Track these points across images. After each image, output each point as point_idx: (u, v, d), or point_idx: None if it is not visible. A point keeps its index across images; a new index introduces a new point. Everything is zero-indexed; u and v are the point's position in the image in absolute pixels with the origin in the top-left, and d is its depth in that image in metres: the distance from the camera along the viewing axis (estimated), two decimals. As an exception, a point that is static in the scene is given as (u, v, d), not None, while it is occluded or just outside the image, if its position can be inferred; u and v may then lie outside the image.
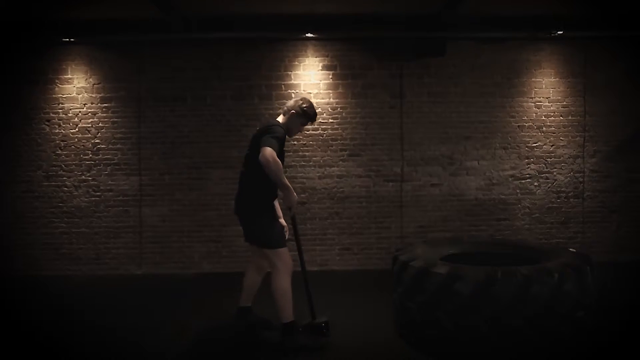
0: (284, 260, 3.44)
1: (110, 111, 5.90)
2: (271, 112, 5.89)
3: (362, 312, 4.30)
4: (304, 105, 3.57)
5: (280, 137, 3.33)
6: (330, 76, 5.95)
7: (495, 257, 3.84)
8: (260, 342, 3.63)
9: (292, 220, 3.57)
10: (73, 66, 5.88)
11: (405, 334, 3.51)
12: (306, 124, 3.69)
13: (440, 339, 3.21)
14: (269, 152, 3.16)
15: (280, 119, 3.60)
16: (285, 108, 3.62)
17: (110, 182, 5.91)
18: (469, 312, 3.08)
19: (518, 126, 6.04)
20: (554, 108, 6.06)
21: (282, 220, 3.66)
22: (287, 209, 3.46)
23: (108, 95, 5.89)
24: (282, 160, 3.44)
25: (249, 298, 3.80)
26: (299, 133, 4.02)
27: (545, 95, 6.04)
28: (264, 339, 3.65)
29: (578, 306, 3.16)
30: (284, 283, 3.40)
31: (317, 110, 3.72)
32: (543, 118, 6.05)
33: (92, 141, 5.91)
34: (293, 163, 5.90)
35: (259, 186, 3.41)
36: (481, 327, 3.06)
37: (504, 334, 3.05)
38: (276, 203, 3.63)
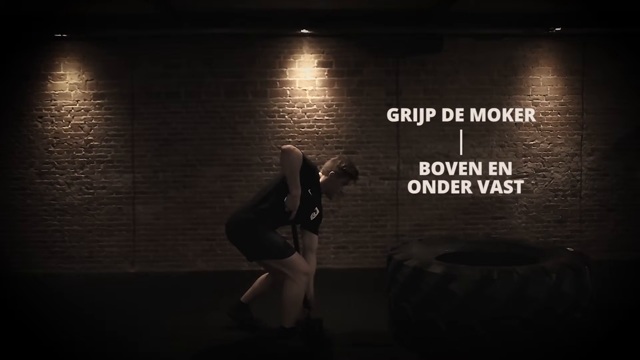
0: (298, 268, 3.33)
1: (103, 108, 5.83)
2: (265, 109, 5.84)
3: (357, 311, 4.25)
4: (343, 165, 3.53)
5: (312, 167, 3.37)
6: (326, 73, 5.88)
7: (491, 257, 3.79)
8: (255, 342, 3.58)
9: (292, 228, 3.51)
10: (65, 62, 5.80)
11: (399, 334, 3.47)
12: (348, 183, 3.61)
13: (435, 339, 3.17)
14: (292, 146, 3.22)
15: (321, 179, 3.55)
16: (324, 168, 3.57)
17: (103, 180, 5.85)
18: (465, 313, 3.04)
19: (515, 124, 5.99)
20: (552, 105, 6.01)
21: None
22: (287, 213, 3.33)
23: (101, 91, 5.82)
24: (306, 214, 3.43)
25: (251, 297, 3.76)
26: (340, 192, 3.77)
27: (543, 92, 5.99)
28: (259, 339, 3.60)
29: (575, 306, 3.11)
30: (296, 292, 3.32)
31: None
32: (540, 116, 6.00)
33: (85, 138, 5.84)
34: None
35: (265, 205, 3.35)
36: (477, 328, 3.02)
37: (500, 334, 3.00)
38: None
